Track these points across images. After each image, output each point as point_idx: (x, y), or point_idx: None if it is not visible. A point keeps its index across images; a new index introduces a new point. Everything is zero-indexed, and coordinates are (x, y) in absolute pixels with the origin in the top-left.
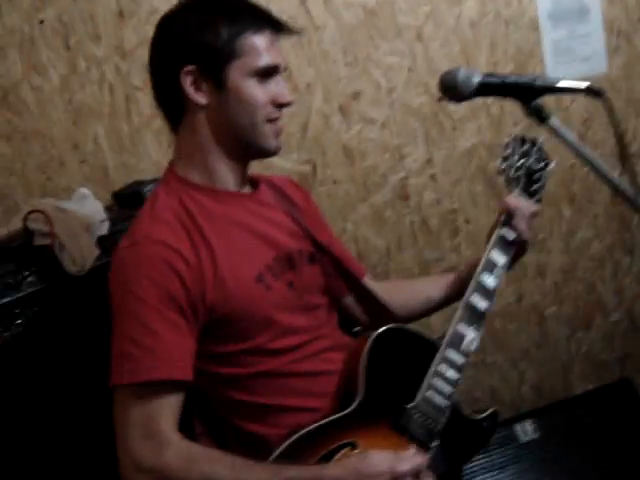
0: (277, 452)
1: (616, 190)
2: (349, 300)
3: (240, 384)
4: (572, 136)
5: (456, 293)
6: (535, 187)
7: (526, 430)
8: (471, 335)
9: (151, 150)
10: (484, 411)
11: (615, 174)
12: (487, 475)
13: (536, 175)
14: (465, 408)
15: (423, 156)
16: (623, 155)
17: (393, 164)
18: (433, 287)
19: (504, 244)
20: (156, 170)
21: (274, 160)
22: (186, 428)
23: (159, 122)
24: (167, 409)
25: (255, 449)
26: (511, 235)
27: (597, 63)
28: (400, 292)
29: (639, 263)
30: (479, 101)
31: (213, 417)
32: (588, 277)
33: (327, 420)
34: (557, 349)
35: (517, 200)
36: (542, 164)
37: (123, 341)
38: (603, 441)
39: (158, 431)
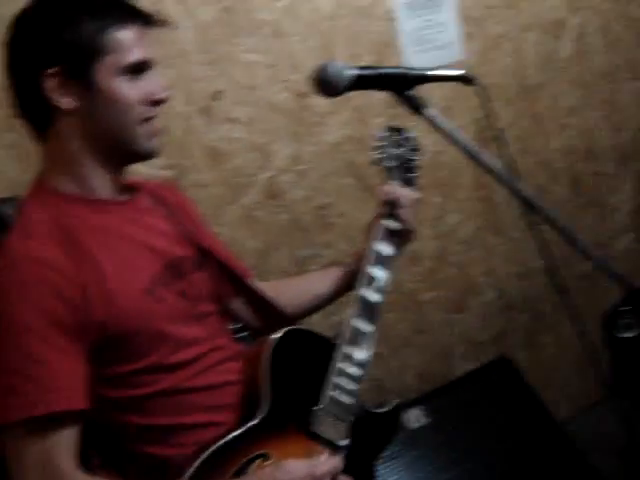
0: (186, 476)
1: (491, 172)
2: (238, 303)
3: (138, 406)
4: (446, 124)
5: (343, 287)
6: (411, 175)
7: (415, 417)
8: (368, 329)
9: (3, 167)
10: (386, 404)
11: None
12: (383, 466)
13: (410, 164)
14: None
15: (290, 153)
16: (492, 138)
17: (261, 163)
18: (319, 283)
19: (390, 235)
20: (11, 188)
21: (137, 166)
22: (82, 460)
23: (11, 136)
24: (66, 444)
25: (158, 474)
26: (396, 225)
27: (453, 51)
28: (287, 291)
29: (508, 243)
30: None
31: (109, 445)
32: (459, 260)
33: (235, 434)
34: (436, 334)
35: (398, 189)
36: (415, 153)
37: (7, 375)
38: (489, 418)
39: (59, 471)
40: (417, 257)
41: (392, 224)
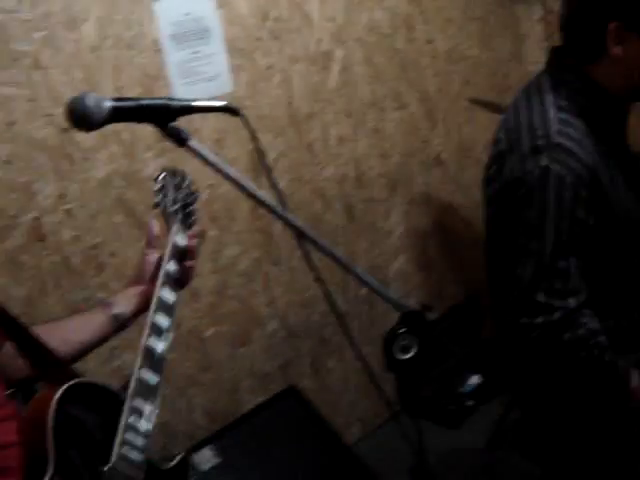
0: None
1: (261, 204)
2: (7, 350)
3: None
4: (213, 156)
5: (109, 333)
6: (191, 220)
7: (206, 457)
8: (154, 379)
9: None
10: (173, 457)
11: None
12: None
13: (189, 208)
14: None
15: (55, 191)
16: (264, 169)
17: (23, 204)
18: (84, 329)
19: (171, 281)
20: None
21: None
22: None
23: None
24: None
25: None
26: (177, 271)
27: (222, 82)
28: (52, 337)
29: (287, 272)
30: (109, 128)
31: None
32: (240, 293)
33: None
34: (222, 369)
35: (179, 236)
36: (193, 196)
37: None
38: (282, 449)
39: None
40: (197, 293)
41: (173, 270)
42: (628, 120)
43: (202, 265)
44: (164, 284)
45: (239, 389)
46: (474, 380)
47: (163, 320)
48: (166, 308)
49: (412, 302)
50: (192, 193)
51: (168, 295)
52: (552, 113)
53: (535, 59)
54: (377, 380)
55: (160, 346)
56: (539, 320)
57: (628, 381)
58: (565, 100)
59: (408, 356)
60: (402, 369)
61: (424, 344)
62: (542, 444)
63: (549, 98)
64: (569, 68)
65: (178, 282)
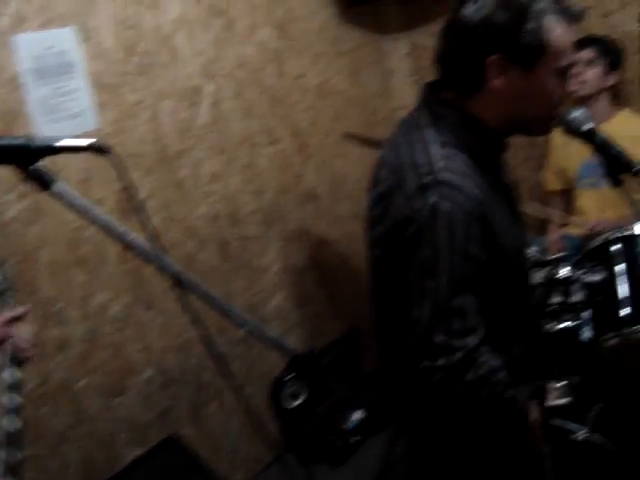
0: None
1: (129, 246)
2: None
3: None
4: (79, 199)
5: None
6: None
7: None
8: (18, 458)
9: None
10: None
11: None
12: None
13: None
14: None
15: None
16: (134, 209)
17: None
18: None
19: (13, 361)
20: None
21: None
22: None
23: None
24: None
25: None
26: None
27: (87, 119)
28: None
29: (161, 316)
30: None
31: None
32: (113, 340)
33: None
34: (96, 422)
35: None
36: (7, 280)
37: None
38: None
39: None
40: (66, 342)
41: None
42: (505, 153)
43: (71, 312)
44: (6, 366)
45: (116, 442)
46: (357, 415)
47: (14, 399)
48: (15, 387)
49: (292, 340)
50: (6, 277)
51: (11, 374)
52: (435, 149)
53: (403, 93)
54: (259, 422)
55: (14, 425)
56: (440, 363)
57: (527, 415)
58: (447, 135)
59: (297, 402)
60: (292, 416)
61: (313, 387)
62: (434, 476)
63: (430, 134)
64: (447, 102)
65: (18, 358)
